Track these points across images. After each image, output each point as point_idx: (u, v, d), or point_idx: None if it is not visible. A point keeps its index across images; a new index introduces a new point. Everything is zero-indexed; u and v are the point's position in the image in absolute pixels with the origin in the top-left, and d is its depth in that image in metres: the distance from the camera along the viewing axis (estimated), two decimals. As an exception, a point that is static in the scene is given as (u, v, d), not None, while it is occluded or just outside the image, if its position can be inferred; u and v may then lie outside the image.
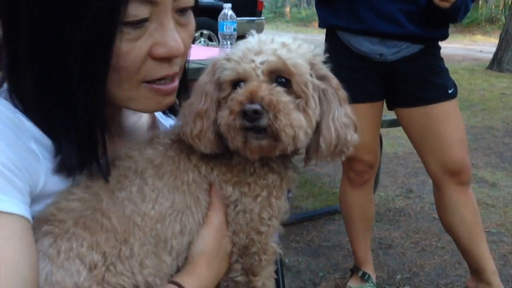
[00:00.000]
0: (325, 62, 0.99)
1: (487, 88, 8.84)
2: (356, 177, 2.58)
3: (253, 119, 0.85)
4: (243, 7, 10.26)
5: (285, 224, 3.39)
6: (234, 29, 3.00)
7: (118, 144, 1.00)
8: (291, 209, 3.81)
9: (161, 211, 0.89)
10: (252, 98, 0.85)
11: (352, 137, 0.96)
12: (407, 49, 2.26)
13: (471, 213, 2.45)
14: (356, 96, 2.35)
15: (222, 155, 0.96)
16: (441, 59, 2.36)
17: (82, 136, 0.85)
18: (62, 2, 0.76)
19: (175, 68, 0.92)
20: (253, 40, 0.94)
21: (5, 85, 0.88)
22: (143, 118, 1.12)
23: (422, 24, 2.22)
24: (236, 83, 0.90)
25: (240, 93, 0.87)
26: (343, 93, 0.98)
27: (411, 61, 2.28)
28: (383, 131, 3.53)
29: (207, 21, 9.50)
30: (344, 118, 0.96)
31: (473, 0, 2.29)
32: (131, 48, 0.82)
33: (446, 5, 2.05)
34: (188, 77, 1.04)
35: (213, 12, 9.45)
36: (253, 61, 0.89)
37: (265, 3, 25.19)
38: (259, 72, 0.89)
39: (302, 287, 2.88)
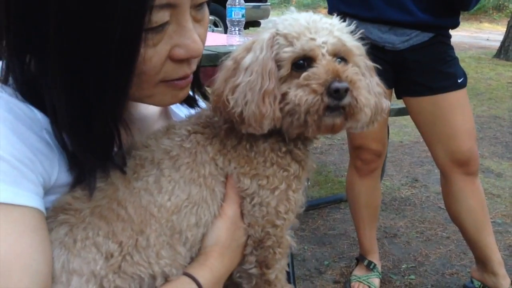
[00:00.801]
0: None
1: (494, 77, 8.79)
2: (364, 166, 2.57)
3: (340, 98, 0.86)
4: (249, -7, 10.21)
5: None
6: (243, 15, 2.97)
7: (134, 132, 0.99)
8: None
9: (177, 203, 0.88)
10: (339, 77, 0.86)
11: (386, 104, 0.99)
12: (417, 37, 2.24)
13: (478, 203, 2.44)
14: (364, 84, 2.36)
15: (242, 147, 0.95)
16: (451, 48, 2.33)
17: (98, 138, 0.83)
18: (88, 14, 0.74)
19: (194, 67, 0.91)
20: (301, 17, 0.93)
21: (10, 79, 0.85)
22: (154, 106, 1.11)
23: (433, 12, 2.19)
24: (296, 62, 0.89)
25: (321, 71, 0.86)
26: (370, 64, 1.00)
27: (420, 50, 2.26)
28: (389, 119, 3.51)
29: (213, 6, 9.41)
30: (377, 87, 0.99)
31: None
32: (153, 53, 0.81)
33: None
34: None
35: (219, -3, 9.42)
36: (313, 39, 0.88)
37: (270, -11, 25.07)
38: (324, 51, 0.89)
39: (307, 275, 2.88)
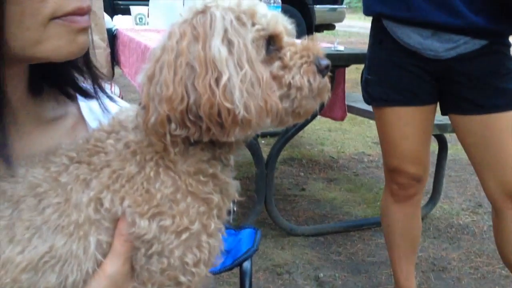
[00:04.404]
0: None
1: None
2: (400, 191, 2.23)
3: (324, 76, 0.79)
4: (325, -5, 9.90)
5: (328, 232, 3.03)
6: (277, 15, 2.70)
7: (34, 137, 0.82)
8: (339, 215, 3.41)
9: (32, 258, 0.67)
10: (320, 54, 0.79)
11: None
12: (465, 45, 1.87)
13: (536, 246, 2.03)
14: (402, 97, 2.03)
15: (143, 177, 0.72)
16: (510, 59, 1.94)
17: None
18: None
19: (88, 1, 0.75)
20: None
21: None
22: (69, 116, 0.91)
23: (488, 15, 1.81)
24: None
25: (304, 49, 0.78)
26: None
27: (470, 60, 1.89)
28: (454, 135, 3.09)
29: (286, 8, 9.17)
30: None
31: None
32: None
33: None
34: None
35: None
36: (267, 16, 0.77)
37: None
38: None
39: (331, 308, 2.58)
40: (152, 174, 0.72)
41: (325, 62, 0.78)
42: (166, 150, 0.73)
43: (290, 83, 0.75)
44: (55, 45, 0.72)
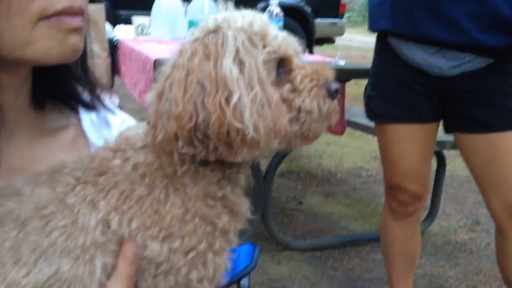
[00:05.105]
0: None
1: None
2: (400, 208, 2.22)
3: (333, 99, 0.80)
4: (325, 9, 9.96)
5: (325, 247, 3.01)
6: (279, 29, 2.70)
7: (35, 148, 0.83)
8: (336, 229, 3.40)
9: (37, 281, 0.66)
10: (329, 77, 0.79)
11: None
12: (470, 62, 1.86)
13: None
14: (404, 115, 2.02)
15: (152, 199, 0.72)
16: (516, 78, 1.93)
17: None
18: None
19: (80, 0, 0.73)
20: (245, 14, 0.77)
21: None
22: (70, 128, 0.91)
23: (494, 32, 1.79)
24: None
25: (314, 72, 0.78)
26: None
27: (475, 78, 1.88)
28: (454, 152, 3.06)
29: (287, 21, 9.17)
30: None
31: None
32: None
33: None
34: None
35: (294, 12, 9.21)
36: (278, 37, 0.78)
37: (355, 6, 24.52)
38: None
39: (328, 324, 2.55)
40: (162, 195, 0.72)
41: (335, 85, 0.78)
42: (176, 173, 0.72)
43: (300, 107, 0.75)
44: (44, 46, 0.71)
